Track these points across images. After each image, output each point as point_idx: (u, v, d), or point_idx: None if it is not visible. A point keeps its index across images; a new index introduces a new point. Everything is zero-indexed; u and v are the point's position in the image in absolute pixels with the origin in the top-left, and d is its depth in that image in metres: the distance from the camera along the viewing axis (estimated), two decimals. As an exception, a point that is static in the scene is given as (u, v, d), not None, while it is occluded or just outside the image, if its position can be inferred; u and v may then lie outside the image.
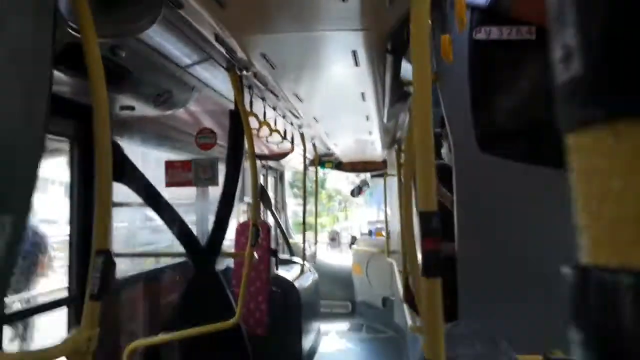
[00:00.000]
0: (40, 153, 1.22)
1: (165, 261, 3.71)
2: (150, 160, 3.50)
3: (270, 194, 6.29)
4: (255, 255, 2.92)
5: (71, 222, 2.68)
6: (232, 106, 3.01)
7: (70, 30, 1.50)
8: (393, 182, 5.78)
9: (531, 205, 1.71)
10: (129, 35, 1.78)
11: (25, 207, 1.19)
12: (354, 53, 2.06)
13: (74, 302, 2.60)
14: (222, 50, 2.16)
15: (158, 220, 3.20)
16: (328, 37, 1.90)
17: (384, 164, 6.84)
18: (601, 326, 0.24)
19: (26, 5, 1.21)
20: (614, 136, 0.24)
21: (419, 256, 2.07)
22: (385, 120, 3.45)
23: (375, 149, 5.83)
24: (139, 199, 3.15)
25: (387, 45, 1.94)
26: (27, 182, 1.20)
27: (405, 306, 3.37)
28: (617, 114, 0.24)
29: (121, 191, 2.92)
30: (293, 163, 6.28)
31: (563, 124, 0.27)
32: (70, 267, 2.67)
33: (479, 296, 1.74)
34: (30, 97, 1.21)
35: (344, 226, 13.96)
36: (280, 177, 6.94)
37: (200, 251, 3.17)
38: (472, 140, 1.66)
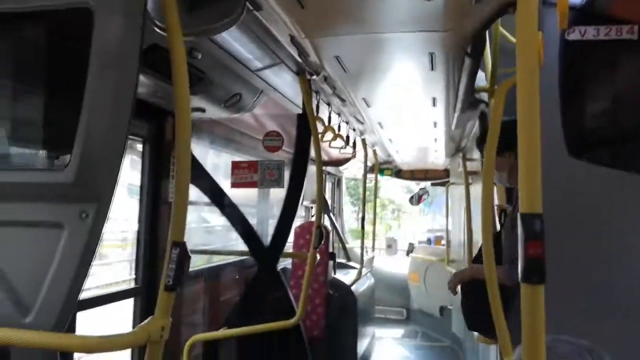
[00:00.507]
0: (123, 149, 1.25)
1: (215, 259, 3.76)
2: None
3: (328, 199, 6.29)
4: (318, 256, 2.90)
5: (140, 218, 2.77)
6: (296, 111, 3.02)
7: (156, 29, 1.53)
8: (455, 190, 5.61)
9: (621, 214, 1.58)
10: (210, 34, 1.80)
11: (108, 197, 1.23)
12: (432, 55, 2.00)
13: (140, 293, 2.67)
14: (295, 53, 2.15)
15: (212, 222, 3.26)
16: (405, 39, 1.85)
17: (445, 172, 6.66)
18: None
19: (117, 4, 1.23)
20: None
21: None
22: (453, 127, 3.34)
23: (437, 157, 5.69)
24: (204, 198, 3.21)
25: (467, 48, 1.86)
26: (111, 175, 1.24)
27: None
28: None
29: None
30: (352, 169, 6.24)
31: None
32: (137, 260, 2.75)
33: (559, 312, 1.62)
34: (118, 97, 1.24)
35: (396, 234, 13.77)
36: (337, 183, 6.92)
37: (263, 250, 3.19)
38: (561, 143, 1.56)
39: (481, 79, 2.39)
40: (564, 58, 1.59)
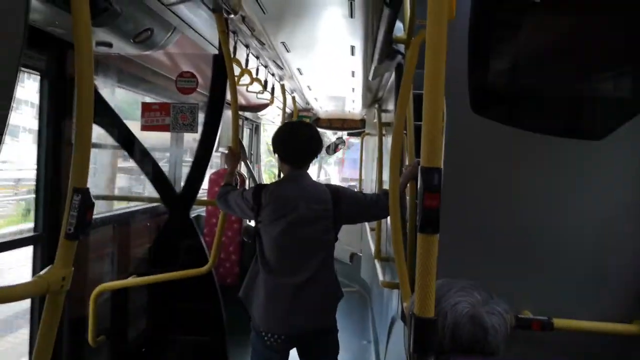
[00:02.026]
0: (14, 81, 1.15)
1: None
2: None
3: (245, 145, 6.22)
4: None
5: (39, 161, 2.58)
6: (213, 51, 2.90)
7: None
8: (371, 141, 5.78)
9: (522, 170, 1.72)
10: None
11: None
12: (351, 2, 1.99)
13: (40, 240, 2.53)
14: None
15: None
16: (326, -17, 1.82)
17: (362, 122, 6.82)
18: None
19: None
20: None
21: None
22: (370, 77, 3.39)
23: (355, 107, 5.79)
24: (111, 141, 3.05)
25: (386, -4, 1.87)
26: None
27: (376, 262, 3.44)
28: None
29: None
30: (270, 116, 6.18)
31: None
32: (37, 206, 2.59)
33: (462, 257, 1.77)
34: (6, 23, 1.12)
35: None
36: (256, 129, 6.85)
37: (175, 197, 3.12)
38: (466, 101, 1.65)
39: (400, 30, 2.43)
40: (474, 13, 1.64)
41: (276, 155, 2.38)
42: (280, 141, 2.34)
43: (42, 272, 1.27)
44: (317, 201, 2.28)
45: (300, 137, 2.31)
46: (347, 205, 2.31)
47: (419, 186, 0.92)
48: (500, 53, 1.81)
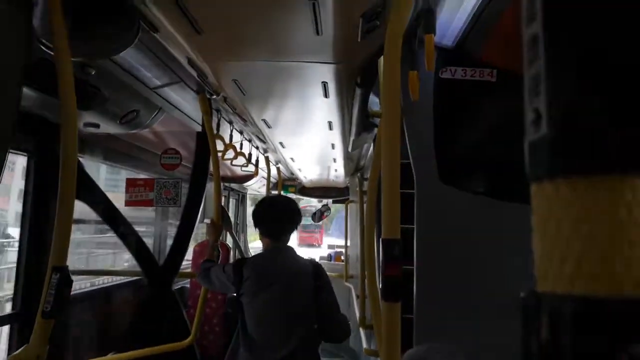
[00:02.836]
0: (2, 163, 1.21)
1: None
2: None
3: (231, 215, 6.25)
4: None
5: (21, 238, 2.59)
6: (198, 128, 3.01)
7: (42, 47, 1.48)
8: (354, 208, 5.85)
9: (489, 236, 1.78)
10: (103, 57, 1.78)
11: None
12: (324, 85, 2.12)
13: (17, 319, 2.49)
14: (194, 74, 2.17)
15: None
16: (300, 68, 1.95)
17: (346, 190, 6.92)
18: (545, 345, 0.29)
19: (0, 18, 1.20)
20: (570, 189, 0.28)
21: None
22: (350, 149, 3.51)
23: (338, 175, 5.91)
24: (95, 217, 3.07)
25: (357, 78, 2.01)
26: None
27: (361, 330, 3.39)
28: (573, 172, 0.28)
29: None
30: (256, 186, 6.27)
31: (531, 174, 0.31)
32: (16, 285, 2.56)
33: (434, 320, 1.79)
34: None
35: (300, 251, 13.92)
36: (241, 200, 6.91)
37: (158, 270, 3.11)
38: (433, 172, 1.74)
39: (376, 104, 2.57)
40: (437, 94, 1.77)
41: (257, 230, 2.41)
42: (259, 216, 2.39)
43: (17, 352, 1.27)
44: (298, 275, 2.30)
45: (279, 212, 2.36)
46: (325, 296, 2.33)
47: (381, 256, 0.97)
48: (463, 127, 1.93)
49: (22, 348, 1.28)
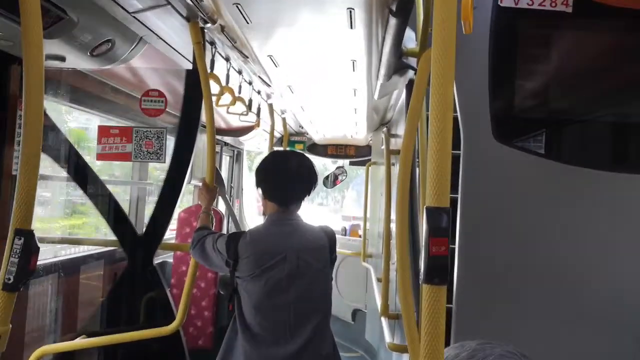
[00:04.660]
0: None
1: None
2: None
3: (224, 175, 6.28)
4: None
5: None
6: (188, 65, 2.98)
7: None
8: (378, 172, 5.84)
9: (554, 211, 1.77)
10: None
11: None
12: (350, 12, 2.07)
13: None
14: None
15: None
16: (321, -10, 1.91)
17: (367, 149, 6.90)
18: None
19: None
20: None
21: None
22: (376, 96, 3.47)
23: (359, 131, 5.87)
24: (62, 172, 3.10)
25: (392, 4, 1.95)
26: None
27: (383, 320, 3.44)
28: None
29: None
30: (255, 141, 6.26)
31: None
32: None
33: (478, 312, 1.80)
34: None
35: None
36: (237, 157, 6.92)
37: (136, 240, 3.15)
38: (486, 128, 1.71)
39: (412, 41, 2.52)
40: (495, 26, 1.72)
41: (259, 191, 2.41)
42: (265, 174, 2.38)
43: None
44: (311, 250, 2.30)
45: (290, 169, 2.35)
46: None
47: (423, 230, 0.96)
48: (528, 72, 1.89)
49: (-22, 327, 1.31)
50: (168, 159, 3.04)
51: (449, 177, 0.96)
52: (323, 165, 8.46)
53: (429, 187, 0.95)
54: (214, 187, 2.76)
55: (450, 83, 0.99)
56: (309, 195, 2.43)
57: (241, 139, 5.88)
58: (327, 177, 7.71)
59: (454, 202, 1.82)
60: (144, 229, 3.18)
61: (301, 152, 2.68)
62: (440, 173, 0.94)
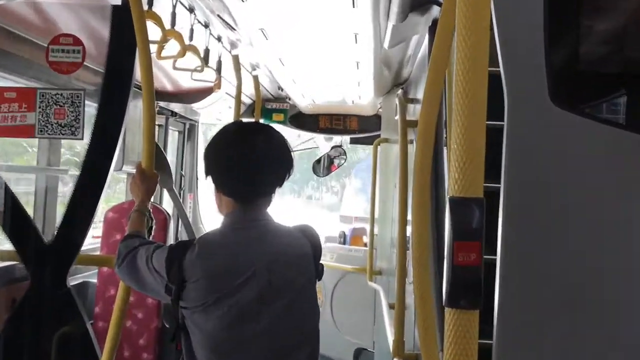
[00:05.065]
0: None
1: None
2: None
3: (171, 159, 6.25)
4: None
5: None
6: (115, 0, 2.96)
7: None
8: (391, 152, 5.83)
9: (631, 200, 1.79)
10: None
11: None
12: None
13: None
14: None
15: None
16: None
17: (375, 120, 6.88)
18: None
19: None
20: None
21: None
22: (386, 44, 3.46)
23: (363, 94, 5.86)
24: None
25: None
26: None
27: None
28: None
29: None
30: (215, 109, 6.24)
31: None
32: None
33: (529, 344, 1.82)
34: None
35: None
36: (189, 133, 6.90)
37: (43, 251, 3.14)
38: (540, 88, 1.71)
39: None
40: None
41: (210, 181, 2.40)
42: (217, 157, 2.37)
43: None
44: (289, 261, 2.31)
45: (254, 150, 2.34)
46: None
47: (446, 230, 0.96)
48: (601, 7, 1.89)
49: None
50: (88, 134, 3.03)
51: (483, 155, 0.95)
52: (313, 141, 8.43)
53: (453, 170, 0.95)
54: (153, 174, 2.75)
55: (484, 22, 0.99)
56: (280, 186, 2.42)
57: (194, 106, 5.87)
58: (318, 161, 7.69)
59: (493, 192, 1.83)
60: (54, 235, 3.17)
61: (268, 125, 2.65)
62: (469, 149, 0.93)
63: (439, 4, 2.78)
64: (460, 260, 0.93)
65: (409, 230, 3.64)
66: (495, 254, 1.85)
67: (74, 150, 4.52)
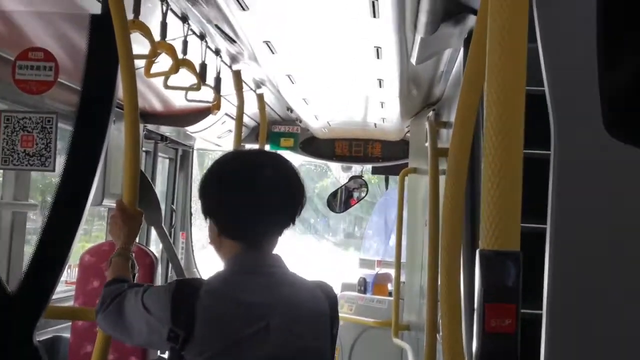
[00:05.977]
0: None
1: None
2: None
3: (160, 191, 6.27)
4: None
5: None
6: (93, 8, 2.99)
7: None
8: (420, 183, 5.83)
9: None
10: None
11: None
12: None
13: None
14: None
15: None
16: None
17: (401, 146, 6.89)
18: None
19: None
20: None
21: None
22: (414, 59, 3.48)
23: (387, 116, 5.88)
24: None
25: None
26: None
27: None
28: None
29: None
30: (213, 133, 6.27)
31: None
32: None
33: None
34: None
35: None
36: (181, 161, 6.93)
37: (7, 302, 3.14)
38: (592, 114, 1.70)
39: None
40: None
41: (207, 221, 2.40)
42: (217, 190, 2.38)
43: None
44: (306, 319, 2.32)
45: (258, 183, 2.35)
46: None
47: (476, 290, 0.95)
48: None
49: None
50: (61, 164, 3.04)
51: (519, 195, 0.94)
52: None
53: (484, 216, 0.94)
54: (136, 212, 2.76)
55: (522, 33, 0.98)
56: (292, 224, 2.42)
57: (188, 129, 5.90)
58: (334, 194, 7.68)
59: (537, 237, 1.82)
60: (20, 283, 3.17)
61: (275, 152, 2.65)
62: (502, 188, 0.93)
63: (476, 13, 2.79)
64: (493, 326, 0.92)
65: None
66: (539, 309, 1.84)
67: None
